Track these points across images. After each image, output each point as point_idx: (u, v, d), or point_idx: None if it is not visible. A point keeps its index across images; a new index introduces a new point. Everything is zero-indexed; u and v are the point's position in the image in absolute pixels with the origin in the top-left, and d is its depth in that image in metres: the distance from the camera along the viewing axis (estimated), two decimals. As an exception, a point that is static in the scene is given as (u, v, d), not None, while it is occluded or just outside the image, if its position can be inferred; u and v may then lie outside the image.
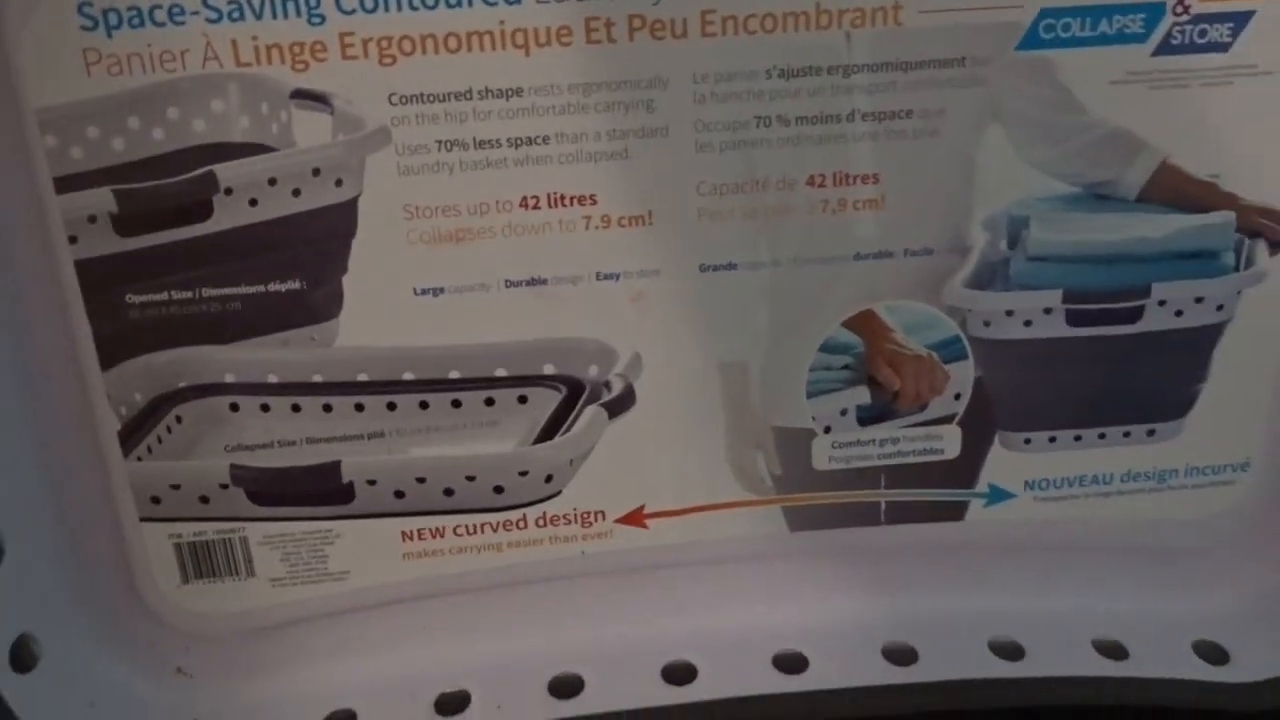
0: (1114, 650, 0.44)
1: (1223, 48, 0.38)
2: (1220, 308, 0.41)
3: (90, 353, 0.38)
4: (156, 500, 0.40)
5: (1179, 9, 0.37)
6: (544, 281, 0.39)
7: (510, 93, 0.36)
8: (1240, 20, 0.37)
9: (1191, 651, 0.44)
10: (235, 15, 0.34)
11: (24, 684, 0.37)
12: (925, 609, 0.44)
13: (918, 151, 0.38)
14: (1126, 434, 0.43)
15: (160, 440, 0.39)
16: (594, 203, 0.38)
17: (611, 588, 0.43)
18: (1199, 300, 0.41)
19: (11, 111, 0.35)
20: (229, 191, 0.36)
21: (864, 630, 0.44)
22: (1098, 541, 0.45)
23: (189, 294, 0.37)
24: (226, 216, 0.37)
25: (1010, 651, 0.43)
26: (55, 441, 0.38)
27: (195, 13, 0.34)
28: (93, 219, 0.36)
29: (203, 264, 0.37)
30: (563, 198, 0.38)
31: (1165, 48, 0.37)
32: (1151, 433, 0.43)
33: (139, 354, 0.38)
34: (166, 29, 0.34)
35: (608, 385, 0.40)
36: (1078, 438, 0.43)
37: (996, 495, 0.44)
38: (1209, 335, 0.42)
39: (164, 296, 0.37)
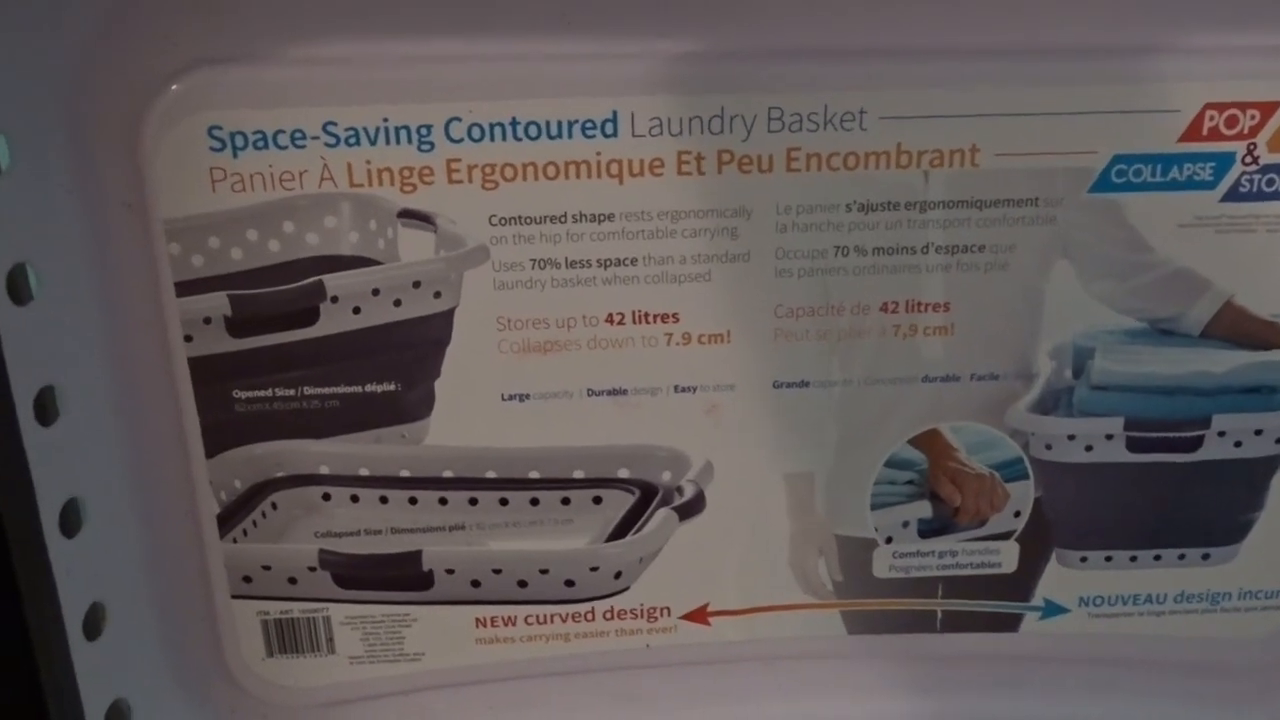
0: (1160, 765, 0.45)
1: (1290, 196, 0.39)
2: (1279, 440, 0.42)
3: (197, 441, 0.40)
4: (248, 579, 0.42)
5: (1248, 159, 0.38)
6: (624, 392, 0.41)
7: (603, 218, 0.38)
8: (1308, 171, 0.39)
9: (1236, 770, 0.45)
10: (352, 141, 0.37)
11: (115, 748, 0.39)
12: (974, 714, 0.45)
13: (988, 283, 0.40)
14: (1181, 556, 0.44)
15: (255, 524, 0.41)
16: (676, 320, 0.40)
17: (673, 680, 0.45)
18: (1258, 433, 0.42)
19: (141, 220, 0.37)
20: (335, 300, 0.39)
21: (915, 733, 0.45)
22: (1148, 656, 0.46)
23: (291, 392, 0.40)
24: (331, 322, 0.39)
25: (1056, 761, 0.45)
26: (158, 521, 0.41)
27: (315, 137, 0.37)
28: (208, 320, 0.38)
29: (306, 365, 0.39)
30: (646, 315, 0.40)
31: (1233, 195, 0.39)
32: (1206, 556, 0.44)
33: (241, 444, 0.40)
34: (288, 151, 0.37)
35: (679, 490, 0.42)
36: (1133, 558, 0.44)
37: (1051, 610, 0.45)
38: (1267, 466, 0.43)
39: (268, 393, 0.40)
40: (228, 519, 0.41)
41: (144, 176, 0.36)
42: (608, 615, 0.44)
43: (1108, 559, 0.44)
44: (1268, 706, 0.46)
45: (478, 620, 0.43)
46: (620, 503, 0.42)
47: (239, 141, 0.36)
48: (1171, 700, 0.46)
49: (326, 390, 0.40)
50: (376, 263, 0.38)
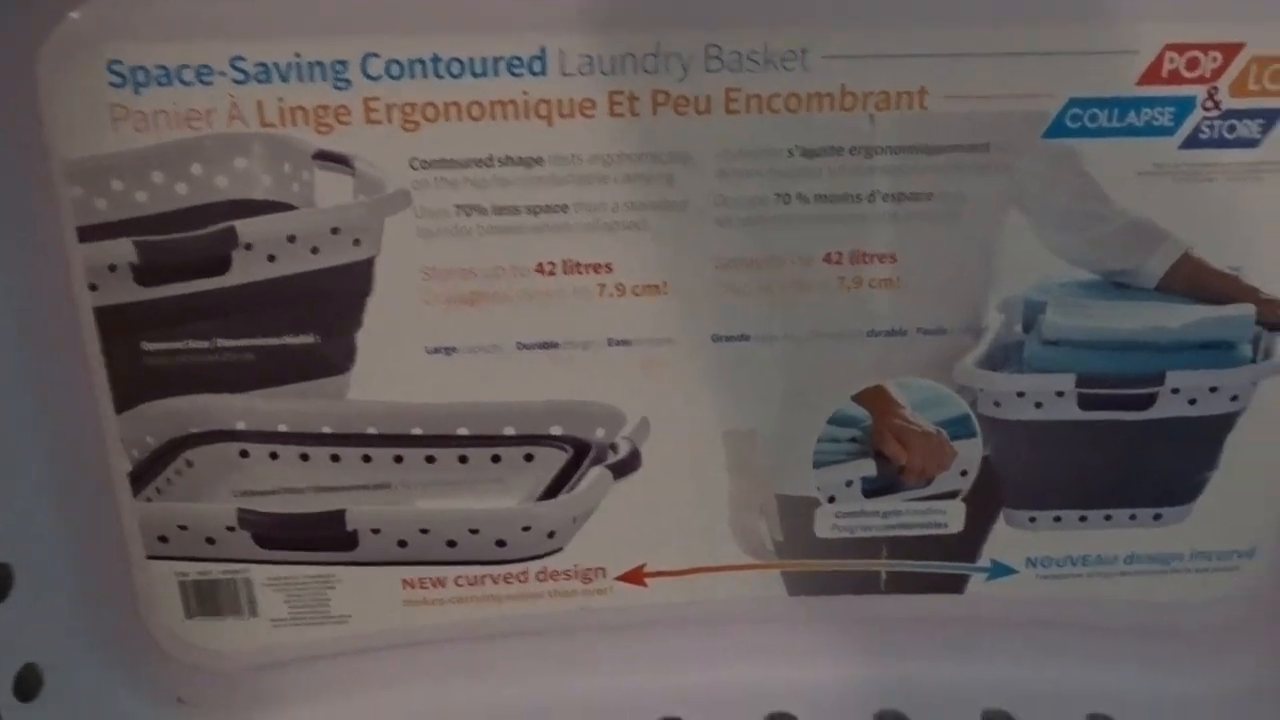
0: (1107, 728, 0.44)
1: (1251, 144, 0.37)
2: (1234, 398, 0.41)
3: (106, 396, 0.38)
4: (164, 539, 0.41)
5: (1209, 104, 0.37)
6: (556, 345, 0.39)
7: (531, 161, 0.36)
8: (1271, 117, 0.37)
9: (1185, 732, 0.44)
10: (261, 78, 0.34)
11: (27, 712, 0.38)
12: (920, 677, 0.44)
13: (936, 233, 0.38)
14: (1133, 517, 0.43)
15: (170, 482, 0.40)
16: (610, 271, 0.38)
17: (609, 643, 0.44)
18: (1214, 390, 0.41)
19: (40, 162, 0.35)
20: (248, 247, 0.37)
21: (857, 696, 0.44)
22: (1097, 619, 0.45)
23: (205, 343, 0.38)
24: (244, 271, 0.37)
25: (1002, 723, 0.44)
26: (67, 478, 0.39)
27: (222, 74, 0.34)
28: (113, 268, 0.36)
29: (219, 315, 0.37)
30: (579, 265, 0.38)
31: (1193, 142, 0.37)
32: (1158, 517, 0.43)
33: (153, 399, 0.38)
34: (193, 88, 0.34)
35: (614, 447, 0.41)
36: (1083, 518, 0.43)
37: (998, 571, 0.44)
38: (1221, 424, 0.41)
39: (180, 345, 0.38)
40: (141, 477, 0.39)
41: (41, 114, 0.34)
42: (541, 576, 0.42)
43: (1057, 519, 0.43)
44: (1219, 669, 0.45)
45: (405, 582, 0.42)
46: (553, 460, 0.41)
47: (141, 77, 0.34)
48: (1121, 663, 0.45)
49: (242, 342, 0.38)
50: (292, 208, 0.36)
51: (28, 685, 0.38)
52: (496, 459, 0.41)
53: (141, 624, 0.42)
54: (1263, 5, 0.36)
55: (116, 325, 0.37)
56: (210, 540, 0.41)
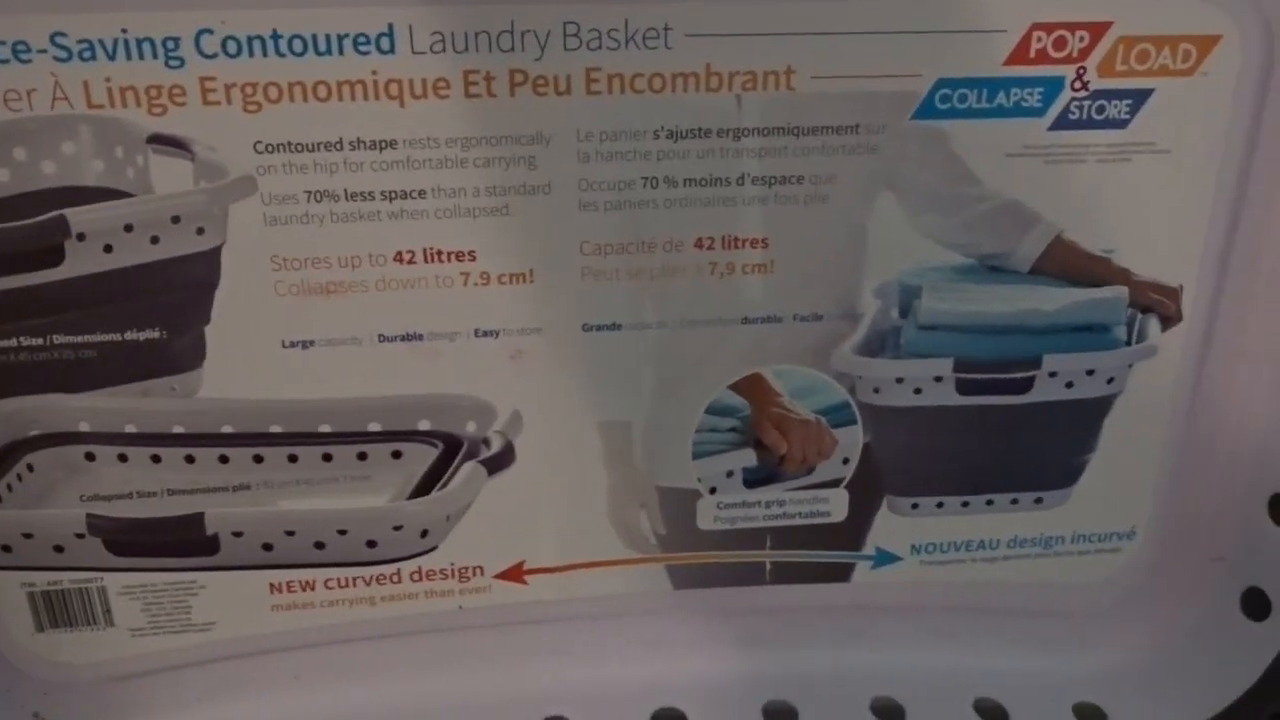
0: (995, 712, 0.44)
1: (1121, 124, 0.37)
2: (1111, 381, 0.41)
3: (-67, 398, 0.36)
4: (7, 549, 0.38)
5: (1077, 85, 0.36)
6: (420, 337, 0.37)
7: (384, 144, 0.35)
8: (1139, 98, 0.37)
9: (1072, 714, 0.44)
10: (87, 55, 0.32)
11: None
12: (807, 668, 0.44)
13: (808, 217, 0.37)
14: (1014, 501, 0.43)
15: (10, 489, 0.37)
16: (473, 259, 0.37)
17: (489, 642, 0.43)
18: (1090, 373, 0.40)
19: None
20: (81, 237, 0.34)
21: (745, 688, 0.44)
22: (982, 603, 0.45)
23: (39, 340, 0.35)
24: (79, 262, 0.35)
25: (891, 712, 0.43)
26: (-102, 487, 0.37)
27: (42, 51, 0.32)
28: (-67, 260, 0.34)
29: (54, 310, 0.35)
30: (440, 253, 0.36)
31: (1063, 122, 0.37)
32: (1039, 500, 0.43)
33: (-13, 400, 0.36)
34: (11, 66, 0.32)
35: (486, 442, 0.39)
36: (965, 504, 0.42)
37: (883, 558, 0.43)
38: (1099, 407, 0.41)
39: (13, 343, 0.35)
40: (-22, 483, 0.37)
41: None
42: (415, 576, 0.41)
43: (939, 505, 0.42)
44: (1105, 650, 0.45)
45: (272, 586, 0.40)
46: (422, 457, 0.39)
47: (-50, 54, 0.32)
48: (1009, 646, 0.45)
49: (81, 339, 0.36)
50: (127, 195, 0.34)
51: None
52: (363, 456, 0.39)
53: (-13, 639, 0.40)
54: (1128, -17, 0.36)
55: (-59, 323, 0.35)
56: (58, 548, 0.38)
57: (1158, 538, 0.44)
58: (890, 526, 0.43)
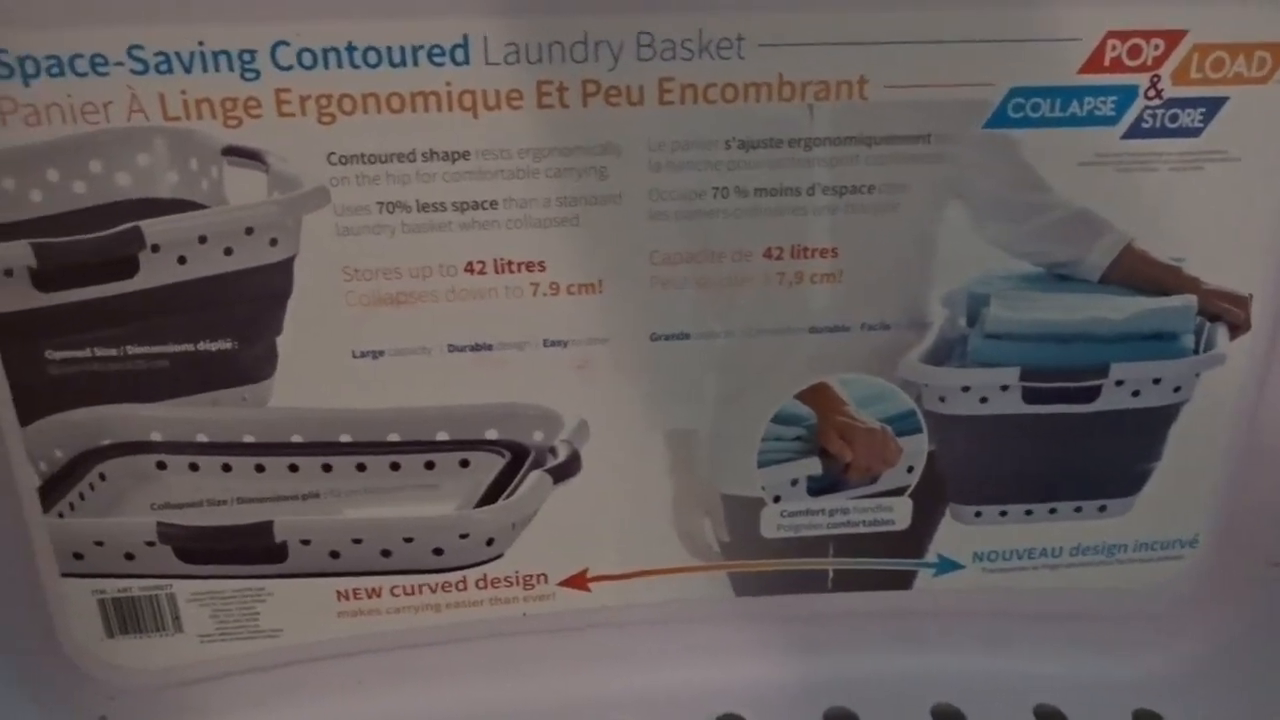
0: (1055, 718, 0.44)
1: (1194, 133, 0.37)
2: (1178, 389, 0.40)
3: (8, 407, 0.36)
4: (79, 556, 0.38)
5: (1151, 93, 0.36)
6: (489, 347, 0.37)
7: (456, 155, 0.35)
8: (1213, 106, 0.36)
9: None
10: (163, 68, 0.32)
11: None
12: (868, 674, 0.44)
13: (877, 226, 0.37)
14: (1078, 509, 0.43)
15: (83, 497, 0.38)
16: (542, 269, 0.36)
17: (552, 648, 0.43)
18: (1157, 381, 0.40)
19: (-80, 160, 0.33)
20: (155, 248, 0.34)
21: (806, 694, 0.43)
22: (1043, 610, 0.45)
23: (113, 351, 0.36)
24: (153, 274, 0.35)
25: (951, 718, 0.43)
26: (-30, 495, 0.37)
27: (119, 64, 0.32)
28: (9, 273, 0.34)
29: (128, 321, 0.35)
30: (510, 264, 0.36)
31: (1135, 131, 0.36)
32: (1103, 509, 0.43)
33: (60, 410, 0.36)
34: (89, 79, 0.32)
35: (553, 451, 0.39)
36: (1029, 512, 0.42)
37: (945, 566, 0.43)
38: (1165, 416, 0.41)
39: (86, 353, 0.35)
40: (51, 491, 0.37)
41: (-82, 108, 0.32)
42: (481, 584, 0.41)
43: (1002, 513, 0.42)
44: (1164, 655, 0.45)
45: (339, 593, 0.40)
46: (489, 465, 0.39)
47: (30, 67, 0.32)
48: (1068, 652, 0.45)
49: (154, 349, 0.36)
50: (201, 206, 0.34)
51: None
52: (430, 465, 0.39)
53: (58, 645, 0.40)
54: (1205, -11, 0.35)
55: (16, 333, 0.35)
56: (129, 556, 0.39)
57: (1219, 544, 0.44)
58: (953, 534, 0.43)
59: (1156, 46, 0.35)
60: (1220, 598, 0.45)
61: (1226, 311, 0.39)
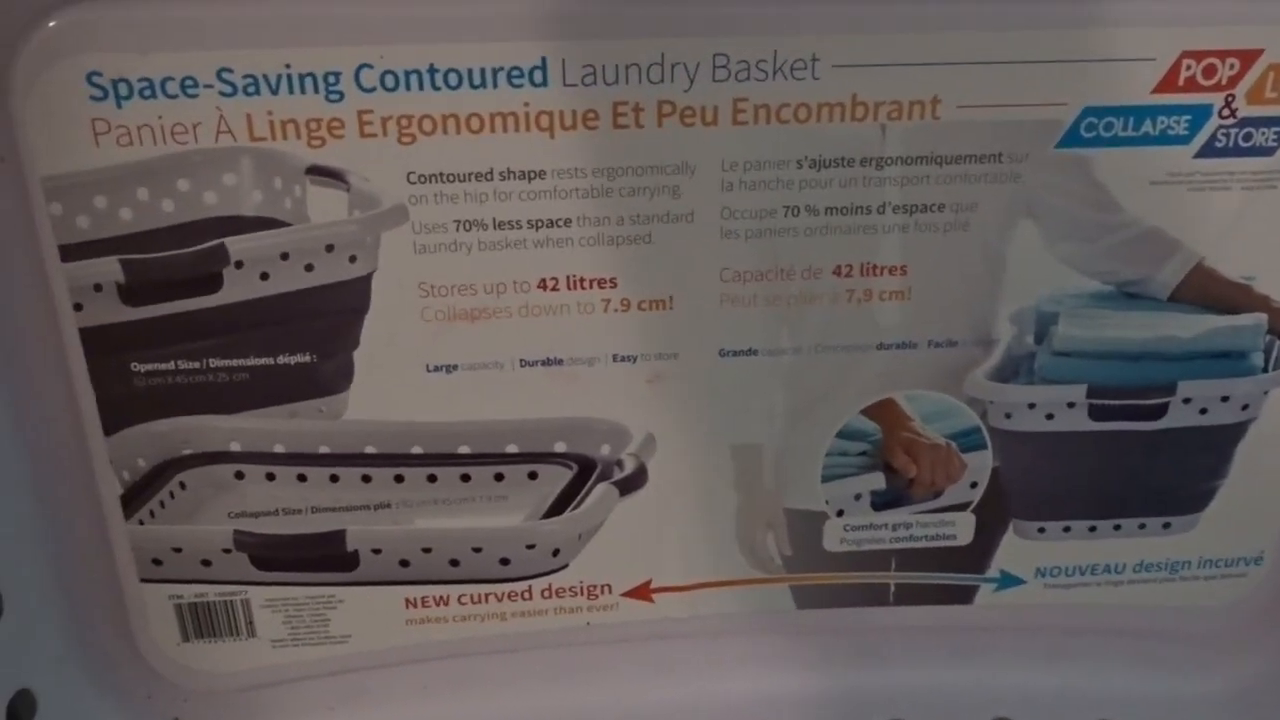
0: (1115, 734, 0.44)
1: (1268, 151, 0.37)
2: (1245, 407, 0.40)
3: (94, 418, 0.37)
4: (158, 562, 0.40)
5: (1225, 112, 0.36)
6: (560, 362, 0.38)
7: (533, 175, 0.35)
8: (1288, 125, 0.36)
9: (1192, 736, 0.44)
10: (250, 90, 0.33)
11: (21, 739, 0.37)
12: (928, 688, 0.44)
13: (947, 244, 0.37)
14: (1142, 526, 0.42)
15: (163, 505, 0.39)
16: (614, 286, 0.37)
17: (616, 658, 0.43)
18: (1225, 399, 0.40)
19: (17, 178, 0.33)
20: (239, 265, 0.35)
21: (866, 707, 0.44)
22: (1104, 626, 0.45)
23: (196, 364, 0.37)
24: (236, 289, 0.36)
25: (1011, 733, 0.44)
26: (56, 501, 0.38)
27: (209, 86, 0.33)
28: (99, 288, 0.35)
29: (210, 335, 0.36)
30: (582, 280, 0.37)
31: (1209, 150, 0.36)
32: (1167, 525, 0.43)
33: (143, 421, 0.37)
34: (179, 101, 0.33)
35: (620, 464, 0.40)
36: (1092, 528, 0.42)
37: (1007, 581, 0.43)
38: (1232, 434, 0.41)
39: (170, 366, 0.36)
40: (132, 499, 0.38)
41: (17, 128, 0.33)
42: (546, 594, 0.42)
43: (1066, 529, 0.42)
44: (1227, 673, 0.45)
45: (408, 601, 0.41)
46: (557, 478, 0.40)
47: (123, 90, 0.33)
48: (1130, 669, 0.45)
49: (234, 362, 0.37)
50: (284, 224, 0.35)
51: (22, 711, 0.37)
52: (500, 477, 0.40)
53: (136, 647, 0.41)
54: (1282, 10, 0.35)
55: (103, 346, 0.36)
56: (206, 562, 0.40)
57: (1285, 563, 0.44)
58: (1015, 549, 0.43)
59: (1232, 66, 0.35)
60: (1284, 616, 0.45)
61: (1297, 330, 0.39)
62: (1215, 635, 0.45)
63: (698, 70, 0.34)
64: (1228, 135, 0.36)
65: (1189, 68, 0.35)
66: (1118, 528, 0.42)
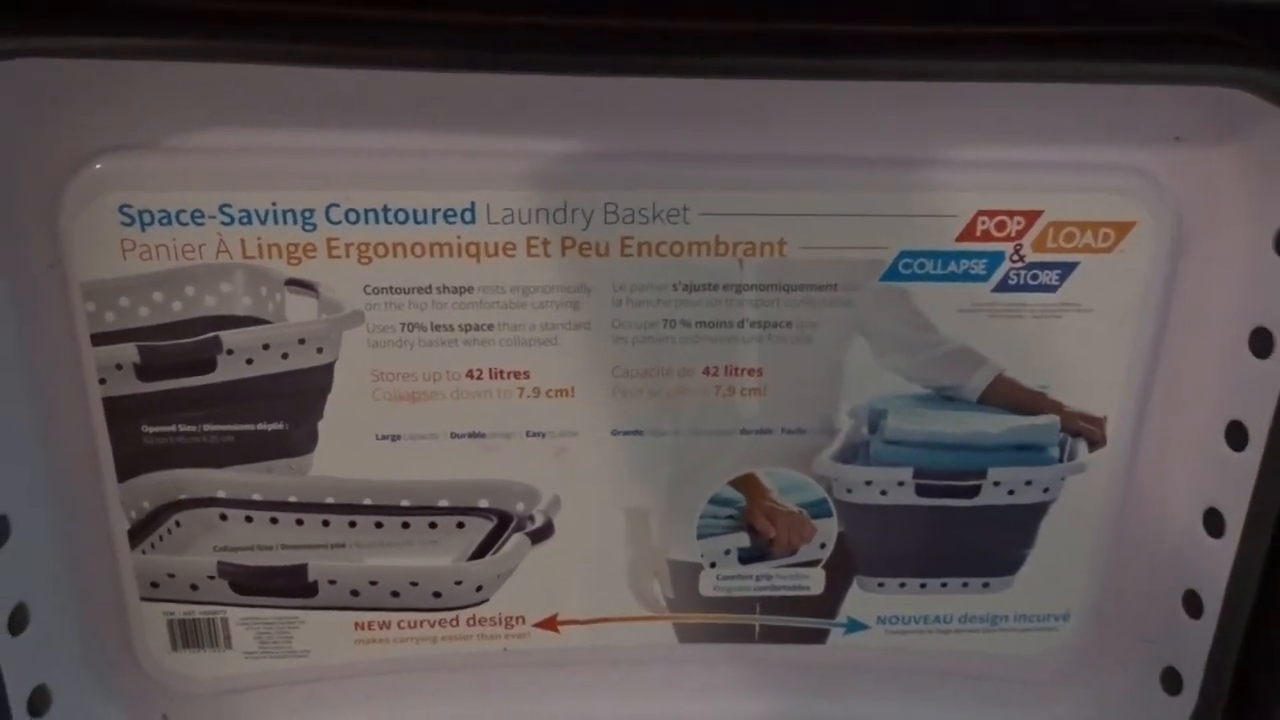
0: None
1: (1051, 289, 0.45)
2: (1046, 490, 0.49)
3: (110, 469, 0.46)
4: (155, 585, 0.48)
5: (1015, 258, 0.44)
6: (483, 435, 0.47)
7: (463, 290, 0.44)
8: (1066, 269, 0.45)
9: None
10: (244, 220, 0.42)
11: (38, 727, 0.46)
12: (791, 715, 0.52)
13: (795, 353, 0.46)
14: (965, 584, 0.51)
15: (162, 539, 0.47)
16: (528, 377, 0.46)
17: (527, 678, 0.52)
18: (1028, 483, 0.48)
19: (62, 282, 0.43)
20: (230, 352, 0.44)
21: (738, 727, 0.52)
22: (939, 667, 0.53)
23: (193, 428, 0.46)
24: (227, 371, 0.45)
25: (861, 758, 0.52)
26: (76, 534, 0.47)
27: (212, 217, 0.42)
28: (119, 366, 0.44)
29: (206, 406, 0.45)
30: (502, 372, 0.46)
31: (1003, 286, 0.45)
32: (986, 585, 0.51)
33: (149, 471, 0.46)
34: (189, 228, 0.42)
35: (531, 518, 0.48)
36: (923, 585, 0.51)
37: (853, 626, 0.52)
38: (1036, 511, 0.49)
39: (173, 429, 0.45)
40: (137, 534, 0.47)
41: (63, 245, 0.42)
42: (470, 622, 0.50)
43: (901, 585, 0.51)
44: (1046, 713, 0.53)
45: (357, 624, 0.50)
46: (480, 528, 0.49)
47: (146, 219, 0.42)
48: (964, 705, 0.53)
49: (224, 427, 0.46)
50: (267, 322, 0.44)
51: (40, 703, 0.46)
52: (433, 525, 0.48)
53: (134, 654, 0.49)
54: (1057, 180, 0.43)
55: (121, 413, 0.45)
56: (194, 586, 0.48)
57: (1091, 620, 0.51)
58: (860, 600, 0.51)
59: (1019, 222, 0.44)
60: (1098, 667, 0.52)
61: (1085, 429, 0.48)
62: (1034, 680, 0.53)
63: (593, 214, 0.43)
64: (1018, 275, 0.45)
65: (984, 223, 0.44)
66: (944, 585, 0.51)
